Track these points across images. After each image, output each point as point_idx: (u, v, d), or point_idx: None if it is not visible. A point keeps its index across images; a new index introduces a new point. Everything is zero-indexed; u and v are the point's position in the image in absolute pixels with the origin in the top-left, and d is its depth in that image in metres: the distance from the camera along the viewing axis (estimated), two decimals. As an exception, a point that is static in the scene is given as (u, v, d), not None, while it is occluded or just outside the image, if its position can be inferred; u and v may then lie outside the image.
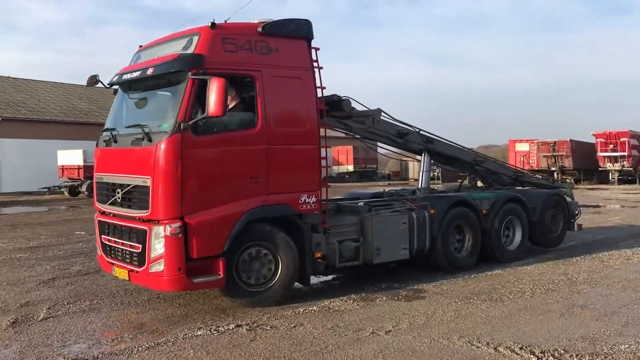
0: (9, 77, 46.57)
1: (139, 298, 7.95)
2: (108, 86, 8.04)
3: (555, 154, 40.73)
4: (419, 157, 11.14)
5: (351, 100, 8.92)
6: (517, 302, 7.46)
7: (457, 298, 7.75)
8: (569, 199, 12.30)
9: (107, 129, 7.79)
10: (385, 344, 5.85)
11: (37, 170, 36.91)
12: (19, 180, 36.94)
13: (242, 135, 7.23)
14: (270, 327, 6.47)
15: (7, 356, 5.73)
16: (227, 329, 6.42)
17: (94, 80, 7.85)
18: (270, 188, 7.34)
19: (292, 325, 6.53)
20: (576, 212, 12.33)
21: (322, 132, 7.89)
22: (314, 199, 7.72)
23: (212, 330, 6.39)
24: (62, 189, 33.96)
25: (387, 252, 8.63)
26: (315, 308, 7.29)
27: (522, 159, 41.87)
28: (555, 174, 40.56)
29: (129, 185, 7.21)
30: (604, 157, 39.79)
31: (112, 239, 7.60)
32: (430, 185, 11.07)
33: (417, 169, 55.45)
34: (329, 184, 8.11)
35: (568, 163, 40.56)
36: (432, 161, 11.27)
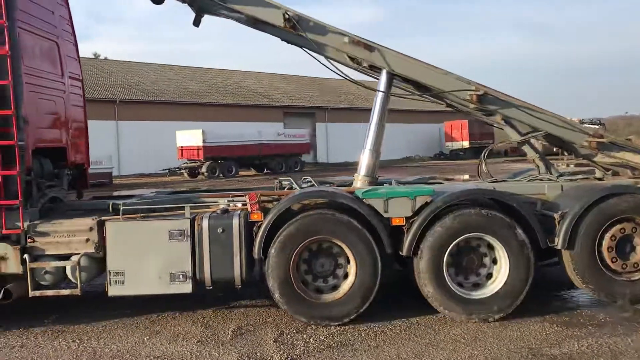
0: (122, 60, 47.62)
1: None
2: None
3: None
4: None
5: None
6: None
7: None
8: None
9: None
10: None
11: (155, 152, 36.55)
12: (137, 162, 36.61)
13: None
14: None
15: None
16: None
17: None
18: None
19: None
20: None
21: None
22: None
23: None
24: (181, 171, 33.73)
25: (136, 280, 5.69)
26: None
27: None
28: None
29: None
30: None
31: None
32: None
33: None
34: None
35: None
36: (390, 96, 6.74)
